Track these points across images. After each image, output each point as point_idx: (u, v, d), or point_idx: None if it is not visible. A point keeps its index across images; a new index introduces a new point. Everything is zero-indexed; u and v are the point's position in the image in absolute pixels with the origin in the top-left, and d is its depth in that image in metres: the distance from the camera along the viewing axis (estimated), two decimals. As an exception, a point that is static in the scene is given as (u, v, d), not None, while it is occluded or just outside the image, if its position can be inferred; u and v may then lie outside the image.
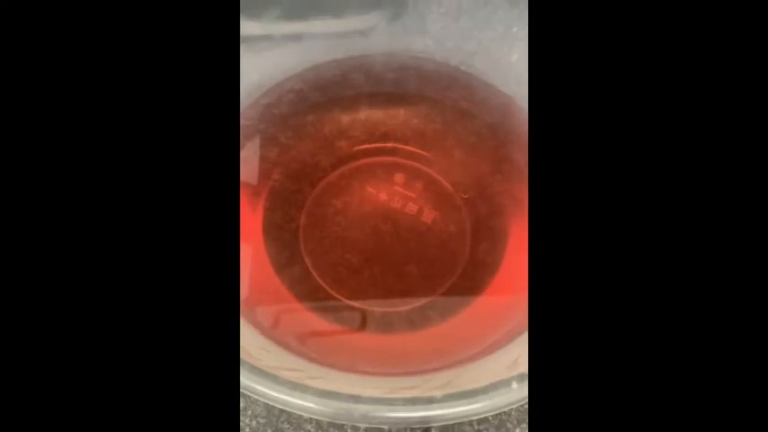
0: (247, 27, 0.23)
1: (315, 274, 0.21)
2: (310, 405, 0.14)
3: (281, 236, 0.22)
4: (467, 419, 0.14)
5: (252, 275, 0.21)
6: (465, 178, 0.23)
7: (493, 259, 0.22)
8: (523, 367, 0.14)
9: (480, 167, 0.23)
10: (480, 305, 0.21)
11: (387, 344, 0.21)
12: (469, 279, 0.21)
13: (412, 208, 0.23)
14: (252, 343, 0.17)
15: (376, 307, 0.21)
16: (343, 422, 0.14)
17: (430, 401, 0.14)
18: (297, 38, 0.24)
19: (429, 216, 0.23)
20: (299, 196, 0.23)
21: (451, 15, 0.23)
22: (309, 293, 0.21)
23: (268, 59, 0.24)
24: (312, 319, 0.20)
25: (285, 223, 0.22)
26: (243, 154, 0.23)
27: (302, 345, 0.19)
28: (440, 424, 0.15)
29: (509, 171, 0.23)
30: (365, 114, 0.24)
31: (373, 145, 0.24)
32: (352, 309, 0.21)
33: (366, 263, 0.22)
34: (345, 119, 0.24)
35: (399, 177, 0.23)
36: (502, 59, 0.23)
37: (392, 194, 0.23)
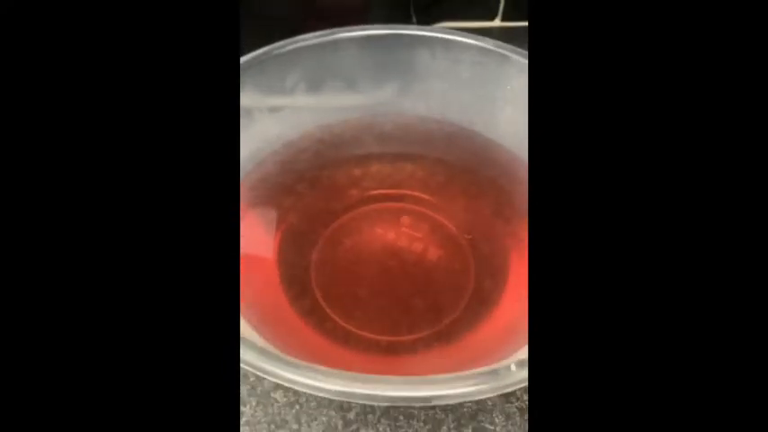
0: (271, 100, 0.26)
1: (324, 305, 0.22)
2: (314, 383, 0.14)
3: (293, 271, 0.23)
4: (467, 399, 0.14)
5: (266, 306, 0.22)
6: (468, 221, 0.25)
7: (495, 293, 0.22)
8: (523, 355, 0.15)
9: (482, 212, 0.25)
10: (482, 333, 0.21)
11: (392, 364, 0.21)
12: (473, 312, 0.22)
13: (418, 246, 0.24)
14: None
15: (383, 336, 0.22)
16: (344, 399, 0.14)
17: (431, 382, 0.14)
18: (314, 104, 0.27)
19: (434, 254, 0.24)
20: (312, 236, 0.24)
21: (452, 82, 0.26)
22: (319, 323, 0.22)
23: (287, 120, 0.26)
24: (322, 345, 0.21)
25: (298, 260, 0.23)
26: (260, 202, 0.25)
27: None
28: (441, 403, 0.15)
29: (509, 214, 0.25)
30: (375, 168, 0.27)
31: (382, 191, 0.26)
32: (360, 337, 0.21)
33: (373, 296, 0.23)
34: (357, 171, 0.26)
35: (406, 220, 0.25)
36: (498, 115, 0.25)
37: (399, 234, 0.24)
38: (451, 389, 0.14)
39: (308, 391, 0.14)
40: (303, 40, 0.24)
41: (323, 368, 0.14)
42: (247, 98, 0.24)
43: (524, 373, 0.14)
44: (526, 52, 0.24)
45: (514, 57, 0.24)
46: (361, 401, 0.14)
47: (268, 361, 0.15)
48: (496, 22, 0.37)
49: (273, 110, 0.25)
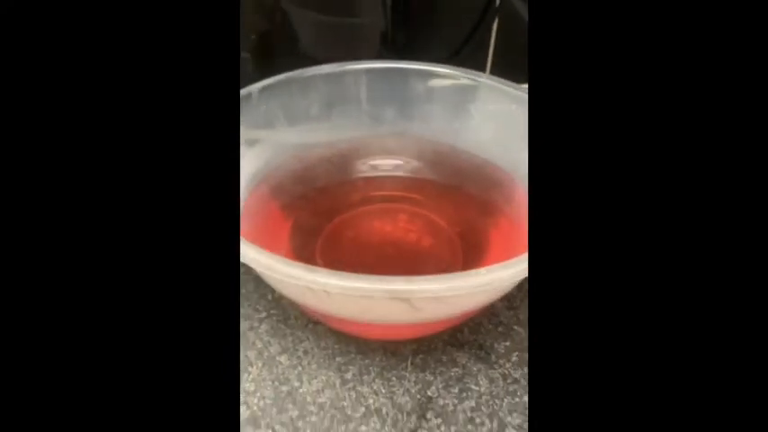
0: (289, 117, 0.30)
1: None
2: (311, 277, 0.17)
3: (300, 255, 0.26)
4: (446, 293, 0.17)
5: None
6: (457, 218, 0.28)
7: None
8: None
9: (469, 211, 0.28)
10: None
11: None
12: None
13: (412, 237, 0.27)
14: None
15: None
16: (333, 291, 0.17)
17: (414, 280, 0.17)
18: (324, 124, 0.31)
19: (427, 242, 0.27)
20: (317, 229, 0.27)
21: (440, 105, 0.31)
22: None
23: (302, 135, 0.31)
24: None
25: (304, 245, 0.27)
26: (273, 204, 0.29)
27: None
28: (424, 296, 0.17)
29: (492, 210, 0.28)
30: (376, 178, 0.31)
31: (381, 194, 0.29)
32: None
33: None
34: (360, 181, 0.30)
35: (402, 216, 0.28)
36: (480, 133, 0.30)
37: (396, 228, 0.28)
38: (432, 284, 0.17)
39: (296, 282, 0.17)
40: (318, 69, 0.29)
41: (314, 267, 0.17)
42: (268, 113, 0.29)
43: (493, 276, 0.17)
44: (499, 78, 0.29)
45: (488, 82, 0.29)
46: (363, 294, 0.17)
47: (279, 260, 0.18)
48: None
49: (291, 125, 0.30)
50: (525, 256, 0.17)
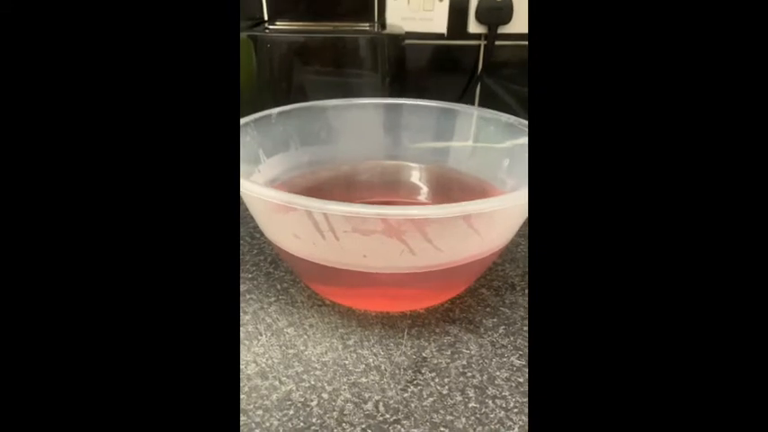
0: (303, 138, 0.35)
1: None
2: (327, 207, 0.20)
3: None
4: (440, 216, 0.20)
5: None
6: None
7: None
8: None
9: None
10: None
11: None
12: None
13: (408, 233, 0.30)
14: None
15: (378, 281, 0.27)
16: (334, 214, 0.20)
17: (397, 208, 0.20)
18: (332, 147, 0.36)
19: (420, 237, 0.30)
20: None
21: (429, 133, 0.35)
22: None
23: (313, 154, 0.35)
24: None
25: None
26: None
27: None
28: (424, 217, 0.20)
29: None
30: (377, 191, 0.34)
31: (380, 200, 0.33)
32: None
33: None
34: (362, 192, 0.34)
35: (399, 219, 0.32)
36: (463, 152, 0.34)
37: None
38: (434, 210, 0.20)
39: (316, 210, 0.20)
40: (328, 102, 0.34)
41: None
42: (285, 133, 0.33)
43: (481, 205, 0.20)
44: (477, 107, 0.34)
45: (469, 111, 0.34)
46: (359, 216, 0.20)
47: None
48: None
49: (303, 145, 0.34)
50: (491, 199, 0.21)
